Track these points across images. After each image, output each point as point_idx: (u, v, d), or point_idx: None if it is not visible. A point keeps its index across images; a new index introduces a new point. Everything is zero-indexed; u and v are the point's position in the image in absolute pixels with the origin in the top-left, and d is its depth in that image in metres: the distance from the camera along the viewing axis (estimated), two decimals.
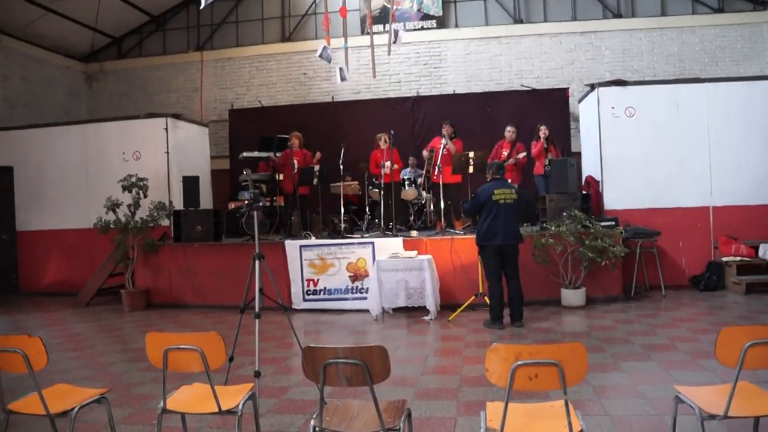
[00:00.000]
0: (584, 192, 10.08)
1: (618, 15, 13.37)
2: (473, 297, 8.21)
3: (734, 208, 9.73)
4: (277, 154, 10.48)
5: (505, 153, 10.28)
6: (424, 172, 10.79)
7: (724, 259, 9.43)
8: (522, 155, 10.17)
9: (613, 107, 10.04)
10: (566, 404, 2.80)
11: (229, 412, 3.31)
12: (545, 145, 10.23)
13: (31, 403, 3.44)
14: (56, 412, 3.32)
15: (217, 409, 3.29)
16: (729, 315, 7.85)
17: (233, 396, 3.45)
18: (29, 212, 12.32)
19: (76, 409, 3.33)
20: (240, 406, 3.33)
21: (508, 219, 7.33)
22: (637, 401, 4.60)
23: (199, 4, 8.78)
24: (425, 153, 10.52)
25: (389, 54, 9.69)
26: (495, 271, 7.42)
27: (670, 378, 5.10)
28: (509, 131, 10.40)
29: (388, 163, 9.96)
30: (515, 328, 7.38)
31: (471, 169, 9.31)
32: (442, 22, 14.03)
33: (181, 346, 3.28)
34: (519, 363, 2.77)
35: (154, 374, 5.87)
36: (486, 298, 7.82)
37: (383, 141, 10.19)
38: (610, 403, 4.59)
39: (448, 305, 8.50)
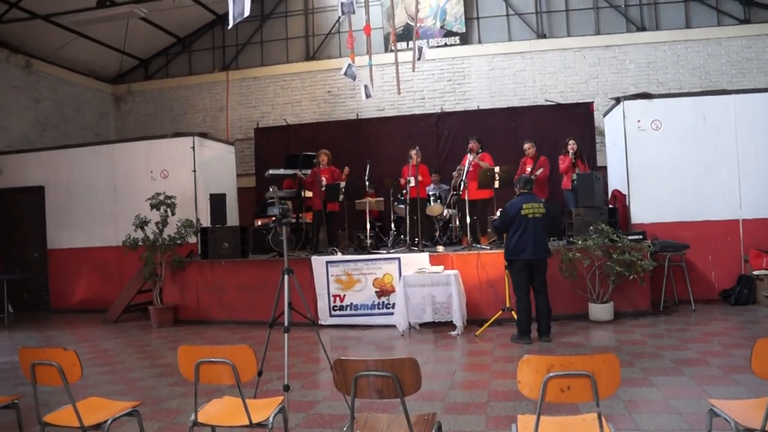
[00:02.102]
0: (611, 206, 10.00)
1: (642, 28, 13.32)
2: (500, 312, 8.18)
3: (765, 220, 9.56)
4: (305, 172, 10.55)
5: (529, 168, 10.22)
6: (451, 189, 10.80)
7: (755, 272, 9.27)
8: (540, 171, 10.09)
9: (638, 120, 9.97)
10: (599, 416, 2.77)
11: (260, 425, 3.32)
12: (573, 160, 10.17)
13: (65, 415, 3.49)
14: (90, 425, 3.37)
15: (248, 422, 3.31)
16: (761, 329, 7.70)
17: (263, 409, 3.46)
18: (59, 231, 12.52)
19: (109, 422, 3.38)
20: (271, 419, 3.34)
21: (537, 233, 7.31)
22: (669, 416, 4.52)
23: (225, 25, 8.95)
24: (456, 174, 10.52)
25: (413, 71, 9.77)
26: (523, 286, 7.39)
27: (702, 392, 5.02)
28: (527, 147, 10.37)
29: (412, 179, 10.01)
30: (543, 343, 7.32)
31: (497, 184, 9.29)
32: (465, 39, 14.09)
33: (213, 359, 3.30)
34: (551, 374, 2.75)
35: (183, 389, 5.92)
36: (513, 312, 7.77)
37: (411, 156, 10.25)
38: (641, 417, 4.52)
39: (474, 320, 8.46)
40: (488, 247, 9.24)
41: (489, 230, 10.17)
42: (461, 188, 9.66)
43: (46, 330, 10.32)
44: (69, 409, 3.42)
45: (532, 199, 7.50)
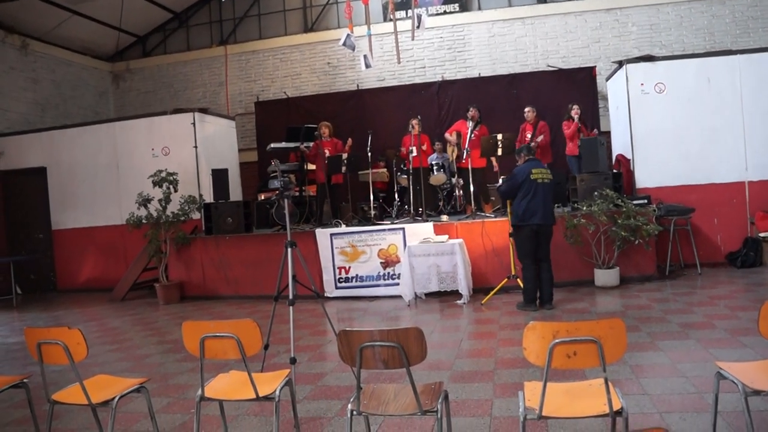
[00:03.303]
0: (615, 171, 9.93)
1: None
2: (506, 279, 8.16)
3: None
4: (307, 145, 10.49)
5: (529, 135, 10.14)
6: (449, 156, 10.75)
7: (761, 234, 9.22)
8: (541, 138, 10.01)
9: (642, 84, 9.85)
10: (606, 381, 2.76)
11: (267, 398, 3.33)
12: (579, 126, 10.08)
13: (73, 393, 3.50)
14: (98, 402, 3.38)
15: (254, 396, 3.31)
16: None
17: (270, 382, 3.46)
18: (63, 211, 12.55)
19: (116, 398, 3.38)
20: (277, 392, 3.34)
21: (546, 198, 7.26)
22: (676, 380, 4.52)
23: None
24: (447, 136, 10.47)
25: (413, 39, 9.63)
26: (529, 253, 7.32)
27: (709, 356, 5.01)
28: (528, 112, 10.28)
29: (414, 149, 9.95)
30: (546, 311, 7.30)
31: (500, 152, 9.22)
32: (464, 6, 13.90)
33: (218, 334, 3.30)
34: (557, 341, 2.73)
35: (190, 365, 5.95)
36: (519, 280, 7.75)
37: (412, 126, 10.20)
38: (648, 381, 4.52)
39: (480, 289, 8.46)
40: (492, 215, 9.21)
41: (492, 198, 10.14)
42: (464, 156, 9.61)
43: (54, 310, 10.38)
44: (77, 387, 3.43)
45: (540, 165, 7.44)
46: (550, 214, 7.33)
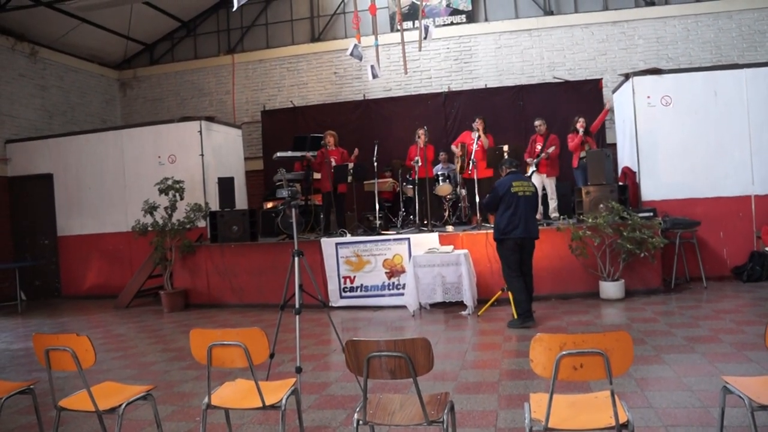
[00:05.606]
0: (621, 183, 9.93)
1: (650, 3, 13.11)
2: (500, 291, 8.07)
3: None
4: (313, 153, 10.53)
5: (539, 147, 10.15)
6: (456, 167, 10.76)
7: None
8: (552, 149, 10.01)
9: (648, 96, 9.87)
10: (612, 394, 2.76)
11: (273, 407, 3.33)
12: (583, 138, 10.09)
13: (80, 400, 3.51)
14: (104, 409, 3.39)
15: (260, 404, 3.31)
16: None
17: (276, 391, 3.47)
18: (69, 217, 12.59)
19: (123, 406, 3.39)
20: (283, 401, 3.35)
21: (528, 211, 7.18)
22: (681, 393, 4.51)
23: (229, 8, 8.89)
24: (454, 148, 10.48)
25: (420, 50, 9.70)
26: (515, 266, 7.22)
27: (715, 370, 5.00)
28: (539, 124, 10.29)
29: (419, 159, 9.97)
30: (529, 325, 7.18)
31: None
32: (471, 17, 13.95)
33: (225, 342, 3.31)
34: (564, 353, 2.74)
35: (195, 372, 5.95)
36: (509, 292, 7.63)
37: (418, 136, 10.23)
38: (653, 395, 4.51)
39: (485, 300, 8.42)
40: None
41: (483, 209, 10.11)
42: (470, 167, 9.62)
43: (59, 316, 10.40)
44: (84, 394, 3.44)
45: (521, 178, 7.37)
46: (532, 228, 7.23)
